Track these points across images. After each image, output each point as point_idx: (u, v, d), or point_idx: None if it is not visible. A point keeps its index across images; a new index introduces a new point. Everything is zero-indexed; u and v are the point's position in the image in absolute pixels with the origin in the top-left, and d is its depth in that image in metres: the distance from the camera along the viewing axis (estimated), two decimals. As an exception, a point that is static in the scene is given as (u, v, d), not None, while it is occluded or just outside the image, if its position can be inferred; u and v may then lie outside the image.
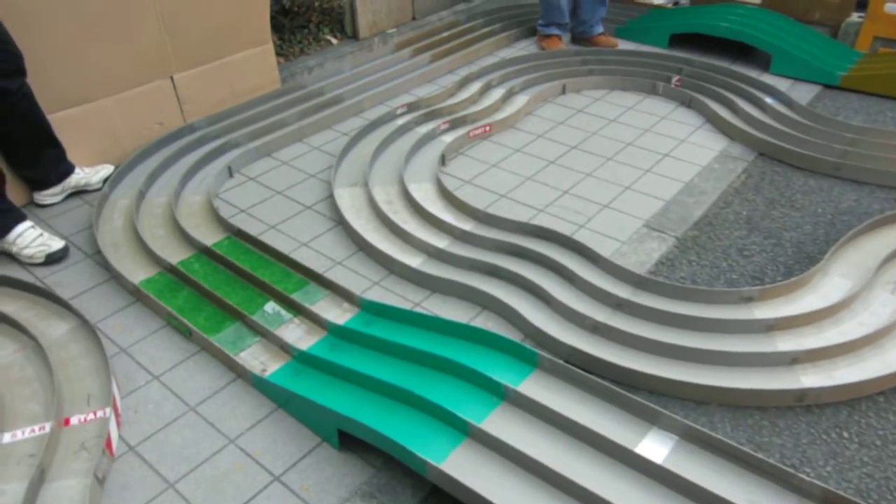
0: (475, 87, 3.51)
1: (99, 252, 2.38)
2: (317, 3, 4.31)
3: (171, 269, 2.28)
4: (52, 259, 2.38)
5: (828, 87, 3.60)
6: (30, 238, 2.37)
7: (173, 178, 2.77)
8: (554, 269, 2.25)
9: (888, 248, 2.30)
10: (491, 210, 2.60)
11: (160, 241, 2.43)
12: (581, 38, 4.16)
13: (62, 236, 2.50)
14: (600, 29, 4.11)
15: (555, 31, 4.08)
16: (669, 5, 4.63)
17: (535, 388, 1.76)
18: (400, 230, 2.43)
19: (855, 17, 4.01)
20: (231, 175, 2.91)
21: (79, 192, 2.77)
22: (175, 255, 2.36)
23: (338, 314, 2.10)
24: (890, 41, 3.86)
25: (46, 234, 2.42)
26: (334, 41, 4.11)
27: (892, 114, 3.34)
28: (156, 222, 2.55)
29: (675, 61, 3.69)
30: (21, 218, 2.40)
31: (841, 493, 1.46)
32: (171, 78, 3.02)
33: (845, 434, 1.80)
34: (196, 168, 2.85)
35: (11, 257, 2.40)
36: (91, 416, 1.77)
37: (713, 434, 1.59)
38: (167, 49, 2.95)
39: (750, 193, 2.80)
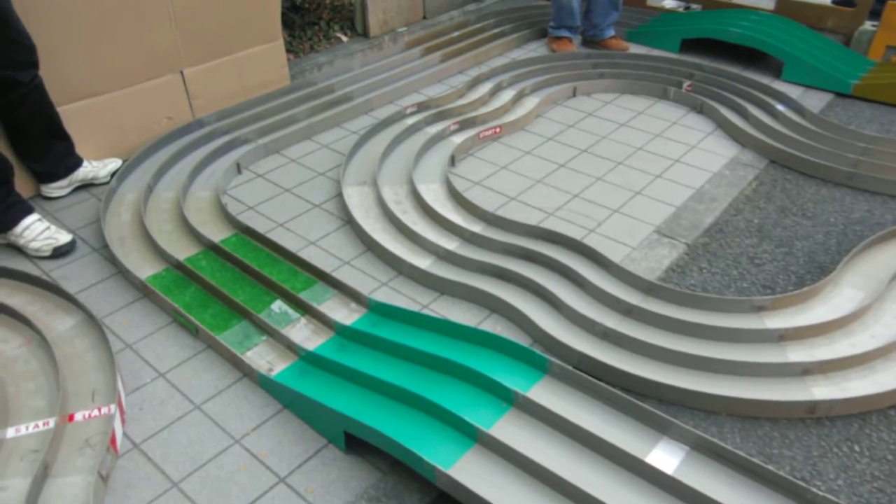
0: (485, 88, 3.50)
1: (106, 246, 2.37)
2: (327, 1, 4.30)
3: (179, 266, 2.26)
4: (59, 252, 2.37)
5: (840, 95, 3.58)
6: (37, 231, 2.35)
7: (181, 173, 2.75)
8: (564, 274, 2.24)
9: (901, 259, 2.28)
10: (501, 212, 2.58)
11: (167, 237, 2.42)
12: (592, 41, 4.13)
13: (69, 230, 2.48)
14: (612, 32, 4.09)
15: (565, 33, 4.06)
16: (681, 10, 4.61)
17: (545, 394, 1.74)
18: (409, 231, 2.41)
19: (868, 25, 3.98)
20: (239, 171, 2.90)
21: (86, 186, 2.76)
22: (182, 251, 2.35)
23: (345, 314, 2.09)
24: (903, 50, 3.84)
25: (54, 228, 2.40)
26: (344, 39, 4.09)
27: (905, 124, 3.32)
28: (163, 217, 2.53)
29: (686, 66, 3.67)
30: (28, 210, 2.39)
31: (854, 508, 1.44)
32: (182, 72, 3.00)
33: (856, 447, 1.78)
34: (204, 164, 2.84)
35: (18, 250, 2.39)
36: (96, 412, 1.75)
37: (724, 445, 1.57)
38: (178, 44, 2.93)
39: (761, 201, 2.77)
